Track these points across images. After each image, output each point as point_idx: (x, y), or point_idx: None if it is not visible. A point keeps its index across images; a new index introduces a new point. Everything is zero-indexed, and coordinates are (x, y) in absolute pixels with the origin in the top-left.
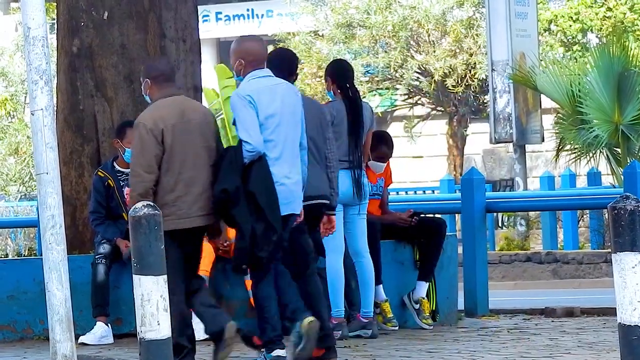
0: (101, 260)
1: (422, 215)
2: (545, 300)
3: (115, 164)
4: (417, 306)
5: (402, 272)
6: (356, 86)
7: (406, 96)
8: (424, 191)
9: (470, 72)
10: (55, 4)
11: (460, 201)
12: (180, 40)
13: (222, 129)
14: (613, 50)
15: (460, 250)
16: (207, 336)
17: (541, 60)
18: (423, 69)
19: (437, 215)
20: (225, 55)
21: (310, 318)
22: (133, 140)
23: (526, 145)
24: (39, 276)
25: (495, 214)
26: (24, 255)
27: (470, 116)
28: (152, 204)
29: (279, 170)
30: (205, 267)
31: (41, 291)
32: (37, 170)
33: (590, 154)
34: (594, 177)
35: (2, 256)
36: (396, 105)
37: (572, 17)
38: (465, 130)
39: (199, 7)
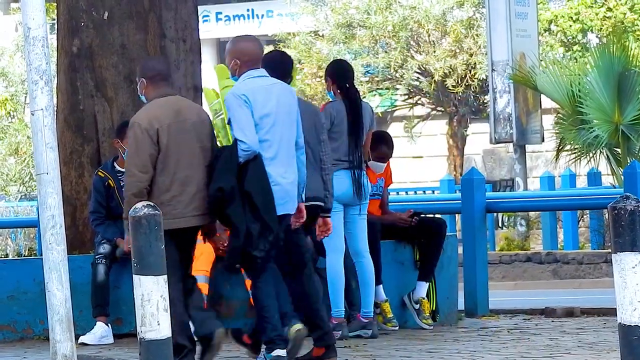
0: (101, 260)
1: (422, 216)
2: (545, 301)
3: (115, 164)
4: (417, 306)
5: (402, 272)
6: (356, 86)
7: (406, 96)
8: (424, 191)
9: (470, 72)
10: (55, 4)
11: (460, 201)
12: (180, 41)
13: (223, 129)
14: (613, 51)
15: (460, 250)
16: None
17: (541, 60)
18: (423, 69)
19: (437, 216)
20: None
21: (299, 326)
22: None
23: (526, 146)
24: (39, 276)
25: (495, 214)
26: (24, 256)
27: (470, 116)
28: (152, 204)
29: (275, 170)
30: (205, 267)
31: (41, 291)
32: (37, 171)
33: (591, 154)
34: (594, 177)
35: (2, 256)
36: (396, 106)
37: (572, 17)
38: (466, 131)
39: (199, 7)
